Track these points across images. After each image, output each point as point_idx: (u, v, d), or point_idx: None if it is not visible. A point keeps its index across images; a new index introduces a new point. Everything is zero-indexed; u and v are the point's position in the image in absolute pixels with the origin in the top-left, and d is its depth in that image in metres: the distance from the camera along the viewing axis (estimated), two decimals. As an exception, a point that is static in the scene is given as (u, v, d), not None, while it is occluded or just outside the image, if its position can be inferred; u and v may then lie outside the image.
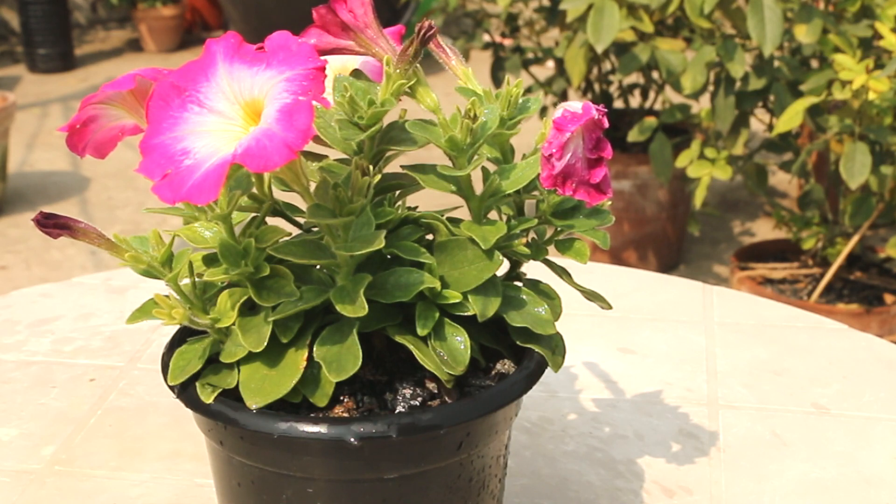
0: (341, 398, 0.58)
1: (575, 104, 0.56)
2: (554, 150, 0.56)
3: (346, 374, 0.54)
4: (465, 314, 0.57)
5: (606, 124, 0.57)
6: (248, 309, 0.57)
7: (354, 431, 0.53)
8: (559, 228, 0.61)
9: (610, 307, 0.63)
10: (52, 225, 0.56)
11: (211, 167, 0.49)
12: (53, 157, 3.50)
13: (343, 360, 0.55)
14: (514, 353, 0.61)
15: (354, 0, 0.60)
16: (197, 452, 0.77)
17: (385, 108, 0.57)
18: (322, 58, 0.50)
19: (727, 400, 0.85)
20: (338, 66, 0.62)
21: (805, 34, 1.95)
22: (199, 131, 0.51)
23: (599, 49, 2.01)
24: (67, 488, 0.74)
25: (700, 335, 0.95)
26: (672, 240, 2.70)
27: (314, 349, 0.55)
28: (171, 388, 0.58)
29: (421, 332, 0.56)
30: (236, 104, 0.52)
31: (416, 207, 0.62)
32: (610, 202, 0.60)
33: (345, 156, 0.60)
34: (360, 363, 0.55)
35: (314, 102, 0.49)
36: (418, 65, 0.59)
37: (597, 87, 2.64)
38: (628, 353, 0.92)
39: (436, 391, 0.59)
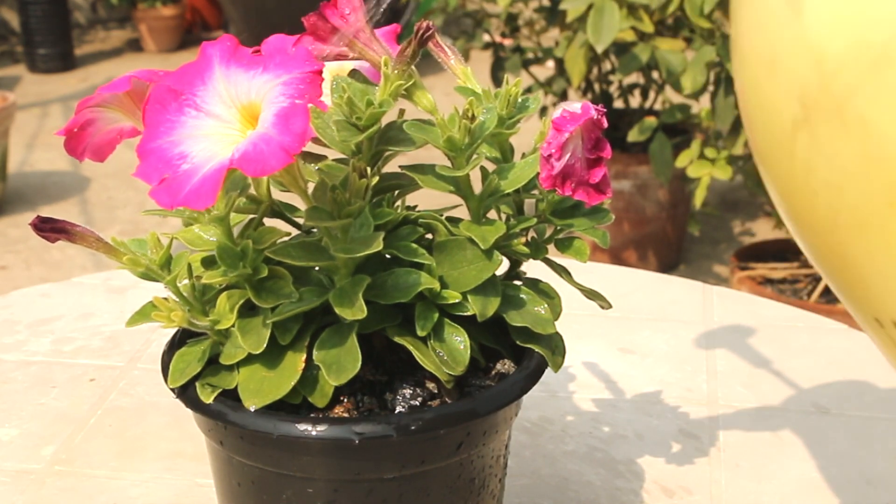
0: (341, 398, 0.58)
1: (574, 104, 0.56)
2: (553, 151, 0.56)
3: (346, 378, 0.54)
4: (465, 314, 0.57)
5: (605, 124, 0.57)
6: (248, 310, 0.57)
7: (354, 431, 0.53)
8: (559, 227, 0.61)
9: (610, 306, 0.63)
10: (49, 229, 0.56)
11: (208, 172, 0.49)
12: (53, 157, 3.50)
13: (343, 362, 0.55)
14: (514, 352, 0.61)
15: (344, 4, 0.60)
16: (197, 452, 0.77)
17: (383, 109, 0.57)
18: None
19: (727, 400, 0.85)
20: (334, 71, 0.62)
21: (805, 34, 1.94)
22: (197, 135, 0.51)
23: (599, 49, 2.01)
24: (67, 488, 0.74)
25: (700, 335, 0.95)
26: (672, 240, 2.70)
27: (313, 352, 0.55)
28: (172, 388, 0.58)
29: (420, 332, 0.56)
30: (233, 108, 0.51)
31: (416, 207, 0.62)
32: (609, 201, 0.60)
33: (343, 156, 0.60)
34: (359, 366, 0.54)
35: (311, 106, 0.49)
36: (413, 67, 0.59)
37: (597, 87, 2.64)
38: (628, 353, 0.92)
39: (436, 391, 0.59)
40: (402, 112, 0.61)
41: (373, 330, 0.57)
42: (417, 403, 0.58)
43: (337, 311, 0.54)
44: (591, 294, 0.63)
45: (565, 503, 0.73)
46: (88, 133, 0.58)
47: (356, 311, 0.54)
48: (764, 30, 0.42)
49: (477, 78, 0.62)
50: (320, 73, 0.50)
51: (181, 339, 0.61)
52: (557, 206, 0.61)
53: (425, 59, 0.59)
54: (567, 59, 2.25)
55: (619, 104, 2.73)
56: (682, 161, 2.19)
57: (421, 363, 0.56)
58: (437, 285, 0.57)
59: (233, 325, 0.56)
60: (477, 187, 0.60)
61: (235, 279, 0.56)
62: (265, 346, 0.55)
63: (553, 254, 0.61)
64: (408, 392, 0.58)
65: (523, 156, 0.60)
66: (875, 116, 0.38)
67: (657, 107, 2.65)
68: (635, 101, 2.73)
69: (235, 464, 0.58)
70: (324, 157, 0.61)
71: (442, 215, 0.60)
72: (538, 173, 0.58)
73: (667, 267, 2.70)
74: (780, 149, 0.42)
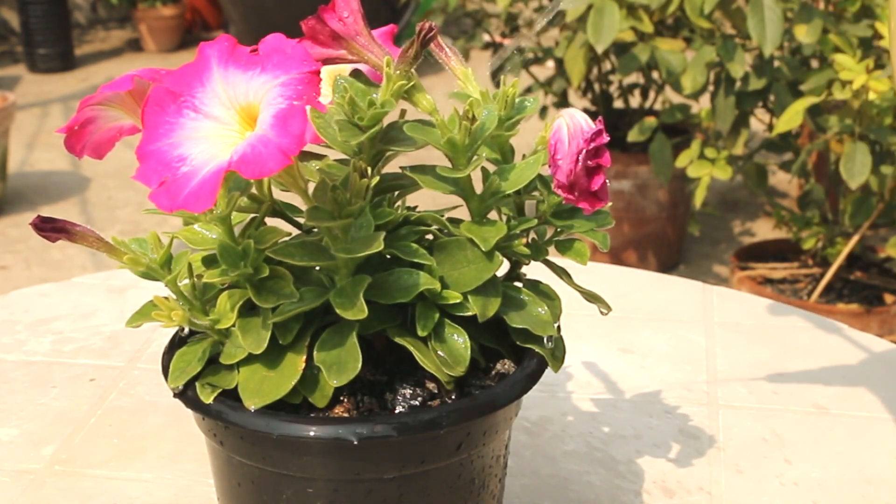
0: (341, 398, 0.58)
1: (578, 116, 0.57)
2: (564, 161, 0.56)
3: (347, 378, 0.54)
4: (465, 314, 0.57)
5: (608, 138, 0.57)
6: (248, 310, 0.57)
7: (355, 431, 0.53)
8: (559, 229, 0.61)
9: (609, 310, 0.63)
10: (50, 229, 0.56)
11: (207, 174, 0.49)
12: (53, 157, 3.50)
13: (343, 363, 0.55)
14: (514, 353, 0.61)
15: (343, 7, 0.60)
16: (197, 452, 0.77)
17: (385, 110, 0.57)
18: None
19: (727, 400, 0.85)
20: (334, 71, 0.62)
21: (805, 34, 1.95)
22: (196, 137, 0.51)
23: (599, 49, 2.01)
24: (67, 488, 0.74)
25: (700, 335, 0.95)
26: (672, 240, 2.70)
27: (314, 352, 0.55)
28: (172, 388, 0.58)
29: (421, 332, 0.56)
30: (232, 109, 0.51)
31: (416, 207, 0.62)
32: (610, 203, 0.60)
33: (344, 156, 0.60)
34: (360, 366, 0.54)
35: (310, 107, 0.49)
36: (413, 70, 0.59)
37: (597, 87, 2.64)
38: (628, 353, 0.92)
39: (436, 391, 0.59)
40: (403, 112, 0.61)
41: (374, 331, 0.57)
42: (417, 403, 0.58)
43: (337, 311, 0.54)
44: (592, 297, 0.63)
45: (565, 503, 0.73)
46: (89, 131, 0.58)
47: (357, 312, 0.54)
48: None
49: (477, 78, 0.62)
50: (318, 73, 0.50)
51: (181, 338, 0.61)
52: (558, 208, 0.61)
53: (425, 59, 0.59)
54: (567, 59, 2.25)
55: (619, 104, 2.73)
56: (682, 161, 2.19)
57: (421, 363, 0.56)
58: (437, 285, 0.56)
59: (233, 325, 0.56)
60: (478, 188, 0.60)
61: (236, 279, 0.56)
62: (266, 345, 0.55)
63: (554, 255, 0.61)
64: (408, 392, 0.58)
65: (524, 157, 0.60)
66: None
67: (657, 107, 2.65)
68: (635, 101, 2.72)
69: (235, 464, 0.58)
70: (325, 157, 0.61)
71: (443, 216, 0.60)
72: (539, 174, 0.58)
73: (667, 267, 2.69)
74: None
